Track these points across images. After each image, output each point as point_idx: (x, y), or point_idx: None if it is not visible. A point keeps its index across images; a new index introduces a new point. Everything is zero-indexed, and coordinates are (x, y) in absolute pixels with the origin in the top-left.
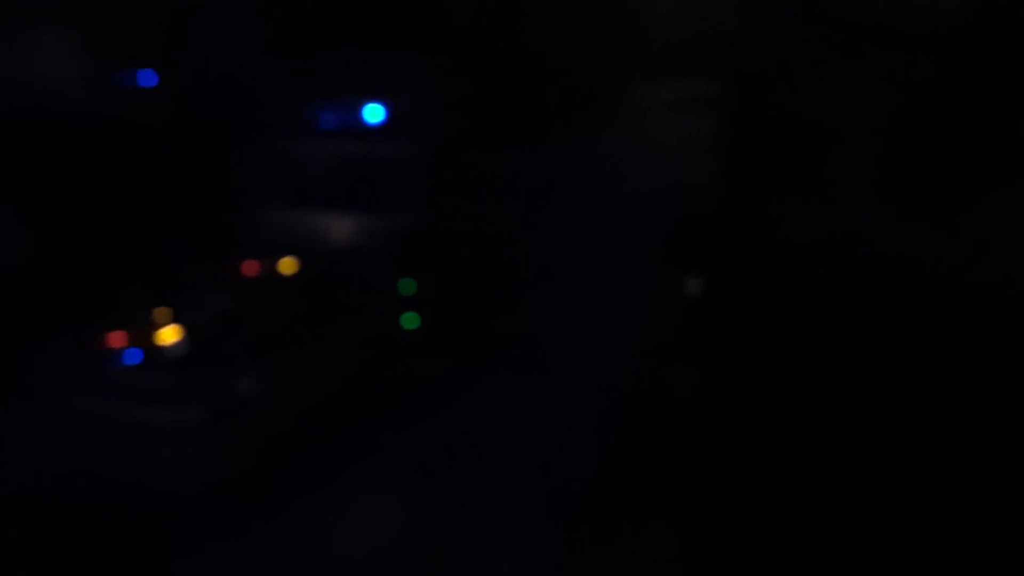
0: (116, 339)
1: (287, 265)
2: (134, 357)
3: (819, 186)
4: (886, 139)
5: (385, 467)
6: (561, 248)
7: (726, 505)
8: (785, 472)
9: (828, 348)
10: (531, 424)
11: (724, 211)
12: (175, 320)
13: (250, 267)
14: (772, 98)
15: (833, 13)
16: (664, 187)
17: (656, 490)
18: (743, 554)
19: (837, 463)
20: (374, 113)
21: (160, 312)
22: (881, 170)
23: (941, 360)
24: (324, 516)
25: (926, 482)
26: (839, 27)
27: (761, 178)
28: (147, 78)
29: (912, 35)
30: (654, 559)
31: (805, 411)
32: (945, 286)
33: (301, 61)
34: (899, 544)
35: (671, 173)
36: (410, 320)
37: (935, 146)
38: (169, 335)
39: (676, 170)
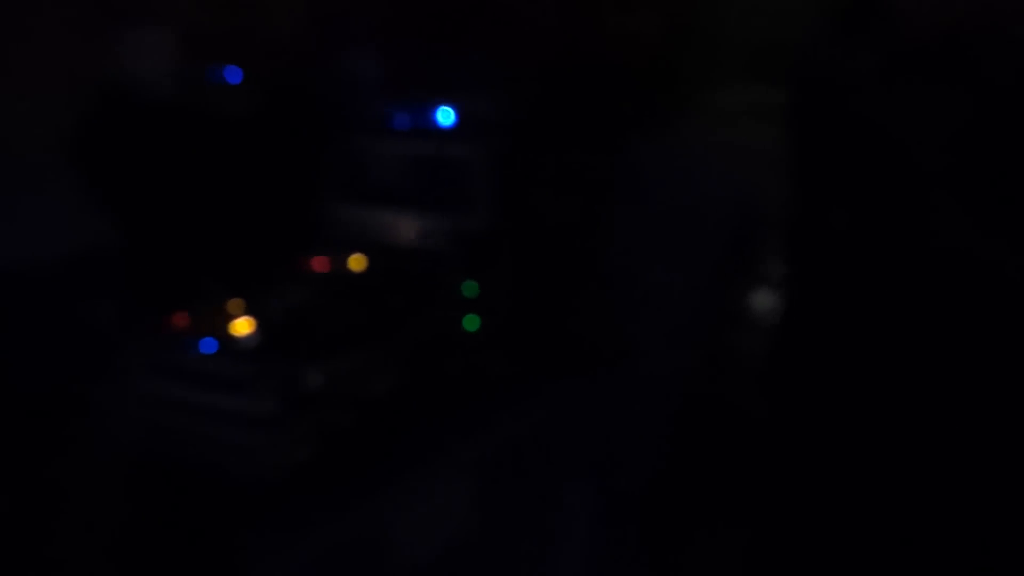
0: (192, 327)
1: (356, 262)
2: (209, 346)
3: (889, 193)
4: (957, 146)
5: (445, 465)
6: (627, 253)
7: (787, 516)
8: (851, 484)
9: (898, 358)
10: (592, 429)
11: (793, 218)
12: (248, 312)
13: (321, 263)
14: (841, 105)
15: (903, 21)
16: (733, 194)
17: (719, 498)
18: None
19: (892, 473)
20: (446, 116)
21: (234, 303)
22: (951, 177)
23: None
24: (385, 511)
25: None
26: (909, 35)
27: (830, 185)
28: (233, 75)
29: (981, 42)
30: (715, 565)
31: (870, 425)
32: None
33: (377, 63)
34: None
35: (740, 179)
36: (471, 322)
37: (1008, 153)
38: (242, 326)
39: (745, 176)
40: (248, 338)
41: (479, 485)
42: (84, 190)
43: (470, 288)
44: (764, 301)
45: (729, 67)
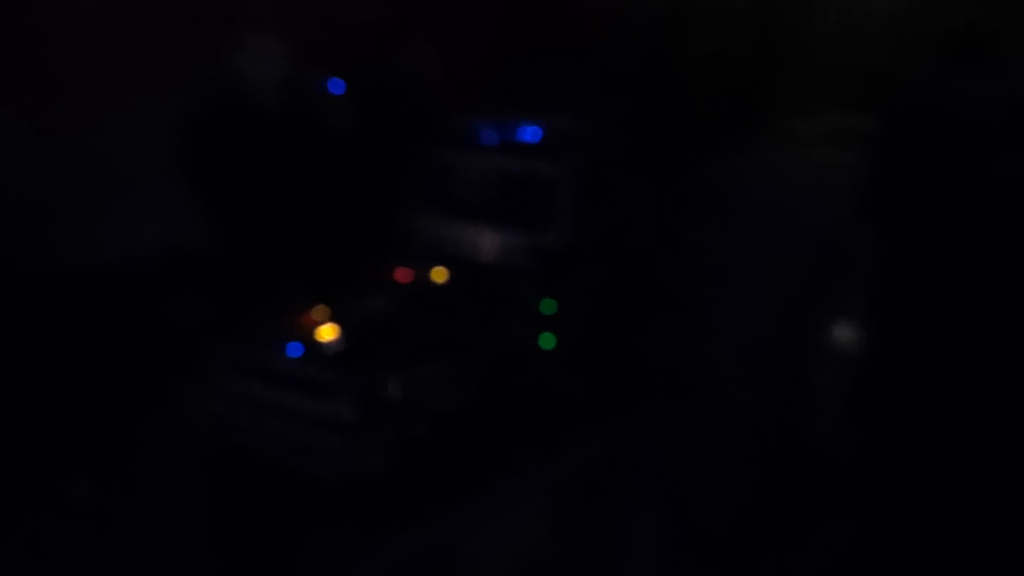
0: (280, 331)
1: (438, 274)
2: (295, 350)
3: (992, 229)
4: None
5: (517, 482)
6: (709, 277)
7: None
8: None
9: (993, 398)
10: (667, 454)
11: (882, 250)
12: (333, 319)
13: (403, 274)
14: (925, 135)
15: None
16: (820, 221)
17: (797, 533)
18: None
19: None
20: (533, 133)
21: (319, 309)
22: None
23: None
24: (456, 524)
25: None
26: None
27: (925, 218)
28: (336, 86)
29: None
30: None
31: (961, 473)
32: None
33: (468, 79)
34: None
35: (828, 207)
36: (547, 340)
37: None
38: (327, 332)
39: (833, 204)
40: (332, 344)
41: (550, 504)
42: (185, 192)
43: (548, 306)
44: (849, 334)
45: (820, 93)
